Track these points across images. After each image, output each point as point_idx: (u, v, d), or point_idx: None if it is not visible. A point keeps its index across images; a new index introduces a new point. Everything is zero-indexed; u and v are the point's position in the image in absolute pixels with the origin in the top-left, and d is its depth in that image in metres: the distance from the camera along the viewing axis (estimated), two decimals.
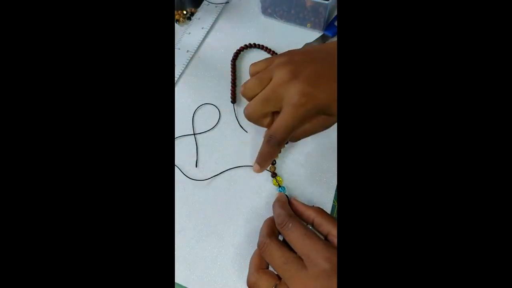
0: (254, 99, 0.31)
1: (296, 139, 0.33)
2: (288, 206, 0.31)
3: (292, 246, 0.27)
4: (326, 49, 0.32)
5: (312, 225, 0.30)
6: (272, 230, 0.30)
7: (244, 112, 0.32)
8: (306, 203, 0.32)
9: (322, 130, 0.35)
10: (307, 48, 0.34)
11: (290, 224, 0.28)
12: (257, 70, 0.32)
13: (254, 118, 0.31)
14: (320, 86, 0.29)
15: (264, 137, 0.31)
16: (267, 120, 0.31)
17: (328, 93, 0.29)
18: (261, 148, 0.31)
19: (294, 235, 0.27)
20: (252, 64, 0.33)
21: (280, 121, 0.29)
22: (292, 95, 0.29)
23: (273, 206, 0.32)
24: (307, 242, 0.26)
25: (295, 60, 0.30)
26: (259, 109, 0.30)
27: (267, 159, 0.32)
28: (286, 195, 0.34)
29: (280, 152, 0.32)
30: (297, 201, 0.32)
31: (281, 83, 0.29)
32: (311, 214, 0.30)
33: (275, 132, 0.30)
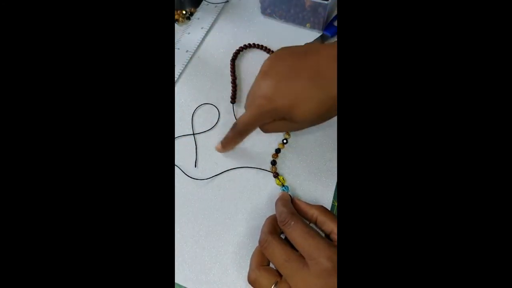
0: None
1: (265, 131, 0.35)
2: (291, 204, 0.31)
3: (294, 244, 0.27)
4: (310, 48, 0.32)
5: (315, 223, 0.30)
6: (274, 227, 0.30)
7: None
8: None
9: (293, 131, 0.38)
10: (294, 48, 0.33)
11: (292, 222, 0.28)
12: None
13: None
14: (281, 91, 0.29)
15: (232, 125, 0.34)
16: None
17: (288, 99, 0.29)
18: (228, 132, 0.34)
19: (296, 233, 0.27)
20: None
21: (244, 115, 0.32)
22: (257, 95, 0.30)
23: (276, 204, 0.32)
24: (309, 240, 0.26)
25: (275, 56, 0.32)
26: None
27: (230, 142, 0.35)
28: (290, 195, 0.34)
29: (242, 140, 0.34)
30: (300, 200, 0.32)
31: (256, 79, 0.31)
32: (314, 213, 0.30)
33: (238, 123, 0.32)
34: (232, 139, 0.34)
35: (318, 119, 0.30)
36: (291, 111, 0.29)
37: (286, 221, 0.28)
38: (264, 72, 0.31)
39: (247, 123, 0.31)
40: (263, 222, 0.31)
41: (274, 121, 0.32)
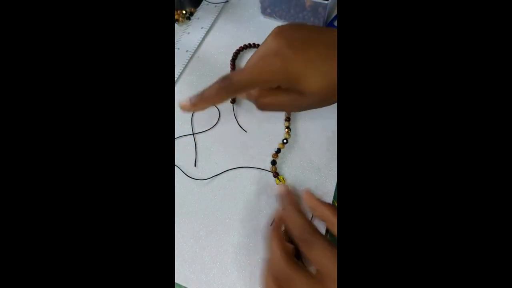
0: None
1: (261, 106, 0.29)
2: (308, 218, 0.28)
3: (313, 263, 0.25)
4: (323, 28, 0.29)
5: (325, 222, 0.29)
6: (284, 245, 0.27)
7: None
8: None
9: (294, 111, 0.31)
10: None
11: (315, 241, 0.24)
12: None
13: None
14: (295, 51, 0.25)
15: (219, 78, 0.26)
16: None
17: (301, 62, 0.25)
18: (212, 84, 0.26)
19: (320, 252, 0.24)
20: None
21: (244, 70, 0.26)
22: (266, 53, 0.26)
23: (286, 208, 0.29)
24: (332, 259, 0.24)
25: (286, 24, 0.28)
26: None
27: (206, 98, 0.27)
28: (289, 188, 0.33)
29: (226, 99, 0.27)
30: (312, 195, 0.29)
31: (265, 40, 0.27)
32: (324, 212, 0.28)
33: (233, 76, 0.26)
34: (217, 95, 0.26)
35: (322, 100, 0.27)
36: (301, 79, 0.25)
37: (307, 239, 0.25)
38: (276, 33, 0.27)
39: (247, 79, 0.26)
40: (263, 222, 0.31)
41: (277, 92, 0.27)
